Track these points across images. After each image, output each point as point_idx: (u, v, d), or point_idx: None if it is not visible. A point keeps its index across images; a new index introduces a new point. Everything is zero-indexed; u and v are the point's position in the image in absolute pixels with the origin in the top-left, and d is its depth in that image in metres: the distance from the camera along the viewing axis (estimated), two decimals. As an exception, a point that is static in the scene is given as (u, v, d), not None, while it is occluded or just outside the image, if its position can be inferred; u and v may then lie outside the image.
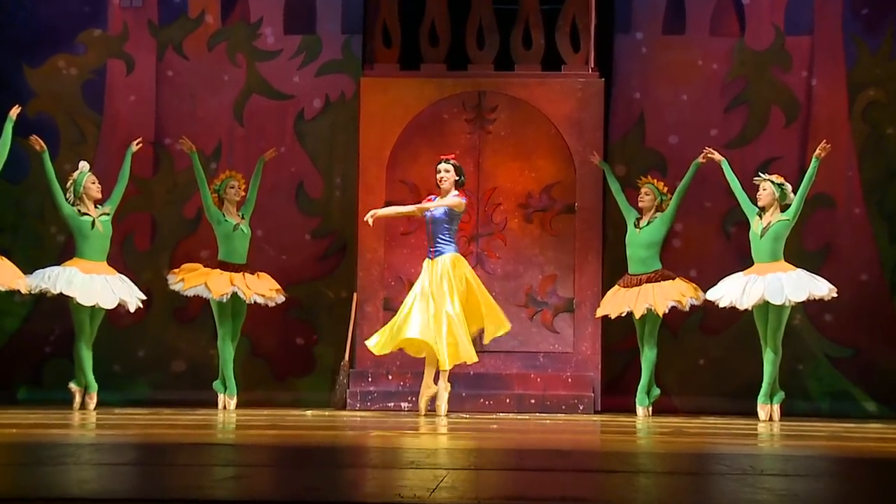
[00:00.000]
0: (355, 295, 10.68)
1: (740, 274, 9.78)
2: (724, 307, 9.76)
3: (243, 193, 10.31)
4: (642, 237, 10.10)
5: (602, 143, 10.70)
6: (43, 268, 9.86)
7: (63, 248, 10.70)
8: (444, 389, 9.25)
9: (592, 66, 10.81)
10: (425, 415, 9.23)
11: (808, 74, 11.01)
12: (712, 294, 9.83)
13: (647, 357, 10.07)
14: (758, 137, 10.99)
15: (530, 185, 10.73)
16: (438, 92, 10.78)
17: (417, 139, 10.69)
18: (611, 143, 10.90)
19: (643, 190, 10.16)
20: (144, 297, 10.12)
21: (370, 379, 10.44)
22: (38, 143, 9.81)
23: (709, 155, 9.93)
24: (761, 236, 9.68)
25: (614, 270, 10.53)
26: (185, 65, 11.24)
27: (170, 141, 11.11)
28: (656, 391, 10.13)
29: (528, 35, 10.88)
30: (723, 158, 9.90)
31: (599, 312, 10.25)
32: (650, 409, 10.08)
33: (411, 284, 10.57)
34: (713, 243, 10.94)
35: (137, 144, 10.18)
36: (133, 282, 10.12)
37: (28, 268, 9.89)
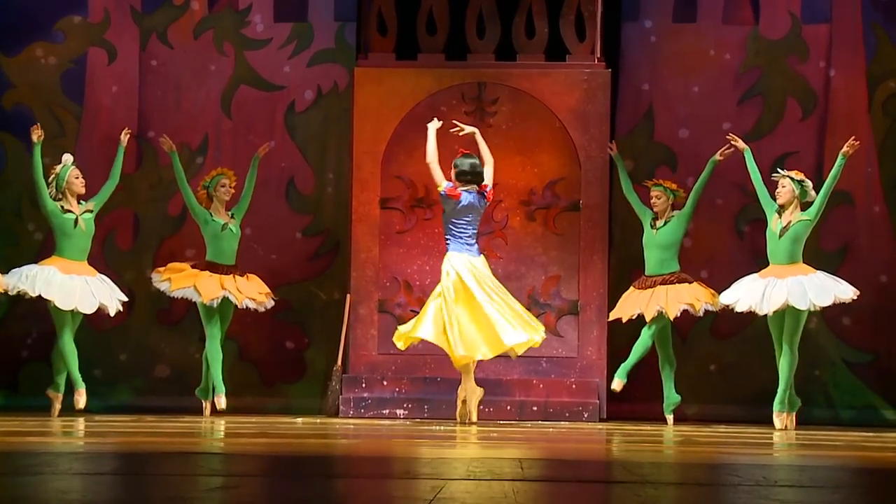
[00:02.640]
0: (348, 296, 10.69)
1: (756, 276, 9.77)
2: (741, 312, 9.77)
3: (233, 191, 10.32)
4: (659, 238, 10.11)
5: (608, 136, 10.71)
6: (19, 266, 9.87)
7: (41, 247, 10.71)
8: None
9: (599, 55, 10.82)
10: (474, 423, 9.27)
11: (825, 65, 11.03)
12: (727, 297, 9.83)
13: (639, 344, 10.05)
14: (773, 131, 11.00)
15: (533, 182, 10.75)
16: (436, 83, 10.79)
17: (414, 133, 10.68)
18: (618, 137, 10.90)
19: (653, 193, 10.17)
20: (125, 299, 10.14)
21: (364, 385, 10.46)
22: (36, 131, 9.81)
23: (733, 142, 9.94)
24: (780, 236, 9.68)
25: (621, 271, 10.55)
26: (169, 54, 11.25)
27: (153, 134, 11.11)
28: (677, 398, 10.14)
29: (531, 23, 10.89)
30: (746, 147, 9.91)
31: (612, 316, 10.27)
32: (671, 417, 10.12)
33: (407, 285, 10.61)
34: (725, 243, 10.94)
35: (126, 135, 10.20)
36: (114, 282, 10.13)
37: (3, 267, 9.90)
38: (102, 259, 10.74)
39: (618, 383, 10.02)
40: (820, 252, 10.45)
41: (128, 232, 11.16)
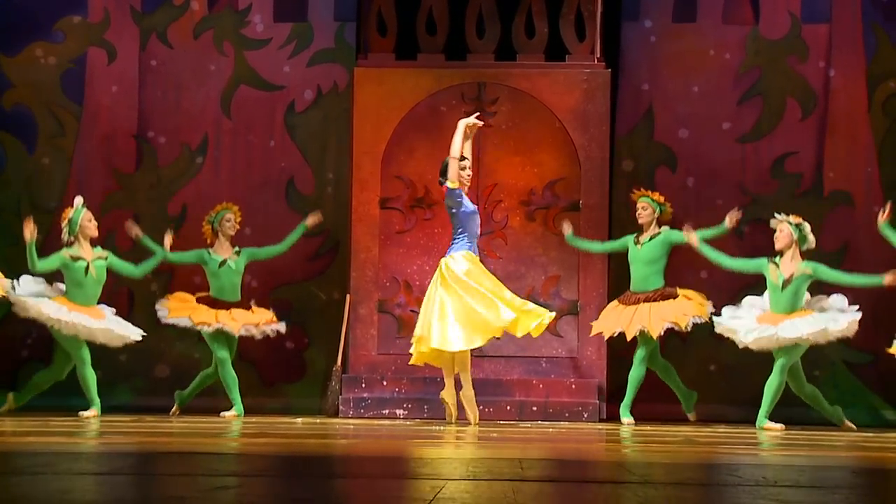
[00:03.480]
0: (348, 296, 10.70)
1: (755, 317, 9.68)
2: (720, 333, 9.80)
3: (238, 227, 10.29)
4: (643, 254, 10.06)
5: (608, 136, 10.72)
6: (20, 268, 9.89)
7: (40, 247, 10.70)
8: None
9: (598, 55, 10.83)
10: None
11: (825, 65, 11.03)
12: (723, 313, 9.79)
13: (634, 376, 10.02)
14: (773, 131, 11.00)
15: (533, 182, 10.75)
16: (436, 83, 10.80)
17: (414, 133, 10.70)
18: (617, 137, 10.92)
19: (639, 205, 10.14)
20: (144, 333, 10.16)
21: (364, 385, 10.46)
22: (28, 225, 9.71)
23: (686, 236, 9.84)
24: (782, 289, 9.58)
25: (620, 271, 10.54)
26: (169, 54, 11.25)
27: (153, 134, 11.12)
28: (693, 394, 10.15)
29: (531, 23, 10.89)
30: (699, 238, 9.84)
31: (594, 329, 10.23)
32: (692, 415, 10.15)
33: (407, 285, 10.62)
34: (725, 243, 10.91)
35: (169, 238, 10.16)
36: (114, 283, 10.15)
37: (3, 265, 9.90)
38: (102, 259, 10.74)
39: (627, 422, 9.96)
40: (820, 252, 10.44)
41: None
